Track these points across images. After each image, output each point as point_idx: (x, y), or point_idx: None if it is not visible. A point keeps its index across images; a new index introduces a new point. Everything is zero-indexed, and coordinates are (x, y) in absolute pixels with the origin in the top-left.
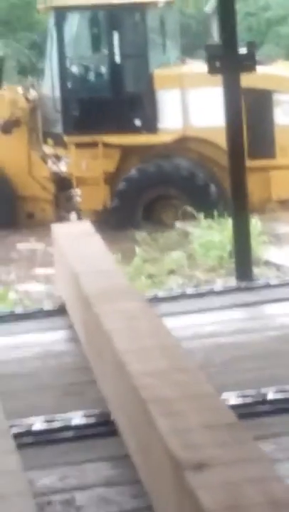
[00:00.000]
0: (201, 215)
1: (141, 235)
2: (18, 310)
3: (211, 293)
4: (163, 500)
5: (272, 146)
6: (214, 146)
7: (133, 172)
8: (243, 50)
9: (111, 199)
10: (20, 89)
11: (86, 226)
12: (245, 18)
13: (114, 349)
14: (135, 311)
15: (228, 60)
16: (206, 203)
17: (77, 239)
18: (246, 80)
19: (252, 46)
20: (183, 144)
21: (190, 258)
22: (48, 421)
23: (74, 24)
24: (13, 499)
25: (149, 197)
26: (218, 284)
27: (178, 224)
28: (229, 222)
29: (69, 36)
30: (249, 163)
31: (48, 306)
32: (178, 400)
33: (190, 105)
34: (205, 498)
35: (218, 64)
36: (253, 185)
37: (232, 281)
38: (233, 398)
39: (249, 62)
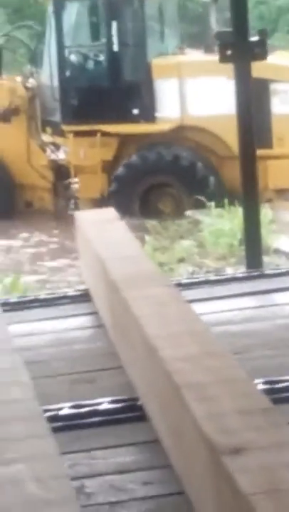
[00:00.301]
0: (212, 204)
1: (151, 223)
2: (42, 296)
3: (218, 281)
4: (197, 484)
5: (269, 136)
6: (212, 135)
7: (134, 158)
8: (254, 38)
9: (109, 185)
10: (19, 78)
11: (110, 213)
12: (256, 7)
13: (144, 335)
14: (164, 297)
15: (240, 47)
16: (204, 194)
17: (101, 225)
18: None
19: (263, 34)
20: (180, 132)
21: (200, 246)
22: (75, 407)
23: (73, 13)
24: (51, 483)
25: (147, 184)
26: (226, 272)
27: (188, 212)
28: (240, 211)
29: (68, 25)
30: None
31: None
32: (211, 385)
33: (188, 94)
34: (243, 482)
35: (229, 52)
36: None
37: (242, 270)
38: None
39: (260, 50)
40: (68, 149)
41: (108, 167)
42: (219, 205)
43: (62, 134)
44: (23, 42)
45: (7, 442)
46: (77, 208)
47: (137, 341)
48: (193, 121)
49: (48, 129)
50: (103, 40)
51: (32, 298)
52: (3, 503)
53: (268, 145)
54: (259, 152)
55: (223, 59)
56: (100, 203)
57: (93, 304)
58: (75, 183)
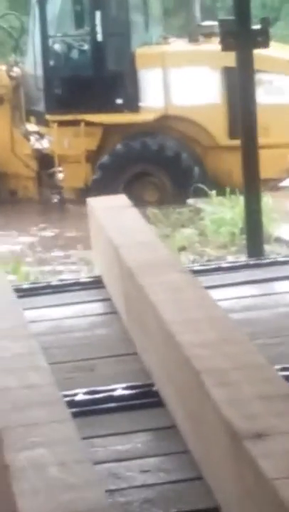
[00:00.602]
0: (213, 192)
1: (152, 211)
2: (54, 282)
3: (219, 269)
4: (217, 470)
5: None
6: (196, 124)
7: (119, 146)
8: (256, 26)
9: (93, 175)
10: (3, 67)
11: (122, 200)
12: None
13: (161, 320)
14: (180, 283)
15: (242, 36)
16: (188, 185)
17: (114, 212)
18: (228, 59)
19: (266, 22)
20: (164, 122)
21: (201, 235)
22: (89, 393)
23: (56, 2)
24: (74, 467)
25: (131, 173)
26: (226, 261)
27: (190, 201)
28: (241, 199)
29: (51, 14)
30: (230, 142)
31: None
32: (231, 371)
33: (172, 84)
34: (266, 467)
35: (231, 40)
36: (234, 164)
37: (243, 258)
38: None
39: (262, 39)
40: (52, 139)
41: (92, 157)
42: (220, 193)
43: (46, 123)
44: (6, 31)
45: (29, 427)
46: (61, 197)
47: (153, 327)
48: (177, 110)
49: (32, 119)
50: (87, 29)
51: (44, 284)
52: (28, 488)
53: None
54: None
55: (226, 47)
56: (83, 192)
57: (106, 290)
58: (59, 172)
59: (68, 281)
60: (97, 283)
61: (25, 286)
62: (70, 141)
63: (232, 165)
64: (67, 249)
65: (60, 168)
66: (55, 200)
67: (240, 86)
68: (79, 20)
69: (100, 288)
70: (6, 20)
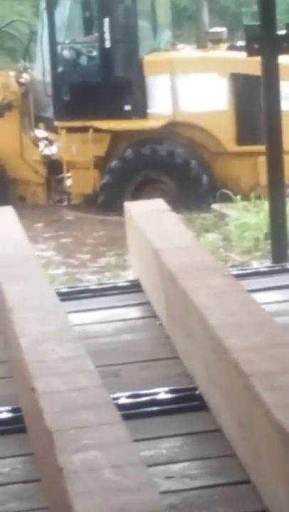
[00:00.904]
0: (238, 197)
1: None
2: (93, 286)
3: (243, 275)
4: (267, 473)
5: (259, 132)
6: (203, 131)
7: (128, 152)
8: (281, 32)
9: (101, 179)
10: (12, 73)
11: (159, 204)
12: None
13: (206, 324)
14: (224, 287)
15: (267, 41)
16: (196, 193)
17: (152, 216)
18: (236, 66)
19: None
20: (172, 129)
21: (226, 240)
22: (132, 396)
23: (65, 9)
24: (128, 469)
25: (139, 179)
26: (251, 267)
27: (215, 206)
28: (265, 204)
29: (60, 21)
30: (238, 148)
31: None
32: (280, 375)
33: (180, 91)
34: None
35: (256, 46)
36: (242, 170)
37: (267, 264)
38: None
39: (288, 44)
40: (61, 145)
41: (100, 163)
42: (244, 198)
43: (54, 129)
44: (16, 37)
45: (80, 430)
46: (69, 202)
47: (197, 331)
48: (185, 117)
49: (41, 125)
50: (95, 36)
51: (82, 288)
52: (82, 490)
53: (259, 141)
54: (252, 148)
55: (250, 53)
56: (92, 198)
57: (144, 294)
58: (68, 178)
59: (106, 286)
60: (135, 287)
61: (63, 290)
62: (79, 148)
63: (240, 171)
64: (84, 253)
65: (69, 174)
66: (63, 206)
67: (264, 92)
68: (87, 26)
69: (138, 292)
70: (15, 26)
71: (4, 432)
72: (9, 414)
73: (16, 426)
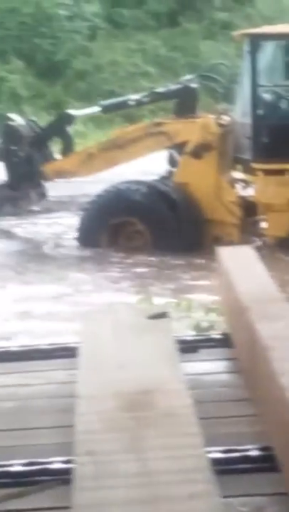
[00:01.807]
0: None
1: None
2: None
3: None
4: None
5: None
6: None
7: None
8: None
9: None
10: (212, 116)
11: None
12: None
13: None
14: None
15: None
16: None
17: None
18: None
19: None
20: None
21: None
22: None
23: (268, 51)
24: None
25: None
26: None
27: None
28: None
29: (262, 64)
30: None
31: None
32: None
33: None
34: None
35: None
36: None
37: None
38: None
39: None
40: (257, 187)
41: None
42: None
43: (252, 171)
44: (217, 80)
45: None
46: (265, 245)
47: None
48: None
49: (238, 166)
50: None
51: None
52: None
53: None
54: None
55: None
56: (285, 241)
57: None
58: (263, 220)
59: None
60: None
61: None
62: (275, 190)
63: None
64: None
65: (264, 217)
66: (259, 245)
67: None
68: None
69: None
70: (217, 67)
71: (253, 469)
72: (258, 452)
73: (265, 464)
